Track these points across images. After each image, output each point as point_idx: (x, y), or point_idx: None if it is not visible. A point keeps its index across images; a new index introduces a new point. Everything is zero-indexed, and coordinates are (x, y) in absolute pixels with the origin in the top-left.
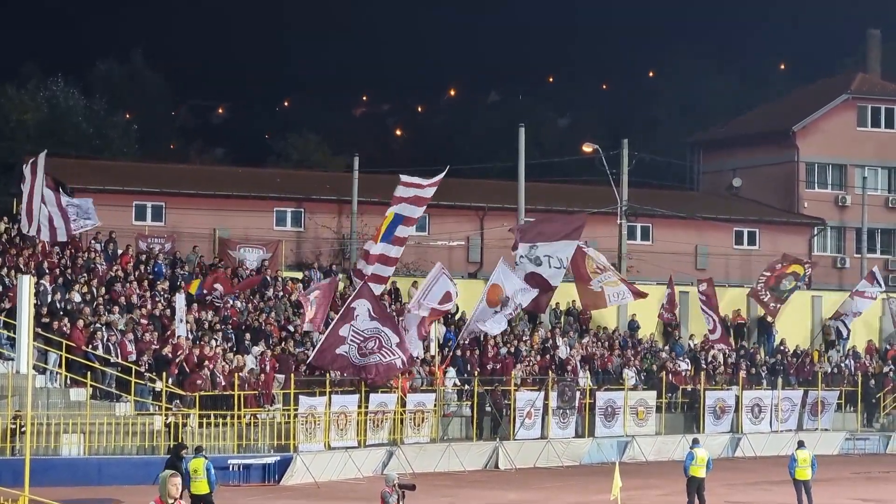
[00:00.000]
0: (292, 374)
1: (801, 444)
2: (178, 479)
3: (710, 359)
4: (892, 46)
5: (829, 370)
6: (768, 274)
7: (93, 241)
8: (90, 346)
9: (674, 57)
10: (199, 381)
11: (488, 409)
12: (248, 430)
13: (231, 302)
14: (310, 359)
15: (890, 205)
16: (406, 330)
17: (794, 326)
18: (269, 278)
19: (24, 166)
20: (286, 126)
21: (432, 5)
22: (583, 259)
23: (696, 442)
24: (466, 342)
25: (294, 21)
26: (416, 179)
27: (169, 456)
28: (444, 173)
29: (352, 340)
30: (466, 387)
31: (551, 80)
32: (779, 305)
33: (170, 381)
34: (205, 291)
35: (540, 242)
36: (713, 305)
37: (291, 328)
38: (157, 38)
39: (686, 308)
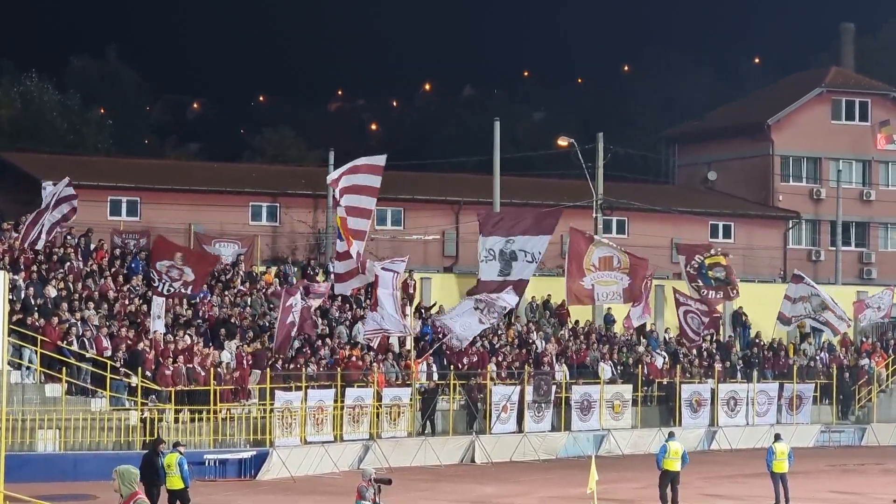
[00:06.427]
0: (268, 370)
1: (778, 437)
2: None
3: (685, 352)
4: (866, 40)
5: (805, 363)
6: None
7: (68, 237)
8: (65, 342)
9: (648, 52)
10: (167, 372)
11: (459, 405)
12: (224, 425)
13: (206, 297)
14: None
15: (864, 198)
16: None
17: (769, 319)
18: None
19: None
20: (261, 121)
21: (408, 0)
22: (585, 254)
23: (671, 435)
24: (441, 338)
25: (269, 17)
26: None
27: (146, 451)
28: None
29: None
30: (442, 382)
31: (526, 74)
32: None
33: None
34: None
35: (516, 236)
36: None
37: (267, 323)
38: (131, 33)
39: (661, 302)
